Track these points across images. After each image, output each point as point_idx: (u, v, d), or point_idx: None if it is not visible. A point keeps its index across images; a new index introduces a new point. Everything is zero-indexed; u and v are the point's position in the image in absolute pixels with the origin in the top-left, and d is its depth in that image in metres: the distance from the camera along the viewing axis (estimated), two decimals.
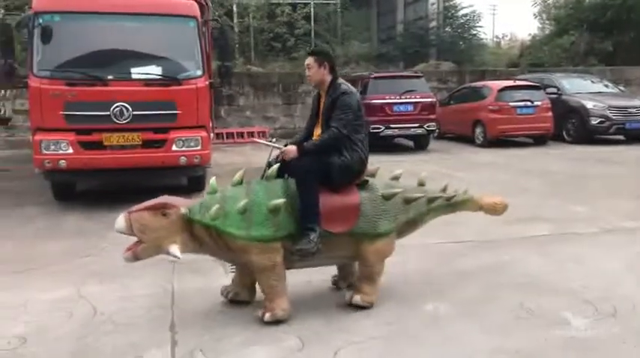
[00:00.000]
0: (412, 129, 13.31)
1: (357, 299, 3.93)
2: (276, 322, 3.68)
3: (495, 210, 4.54)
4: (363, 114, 4.08)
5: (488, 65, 22.82)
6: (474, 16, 24.54)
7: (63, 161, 7.01)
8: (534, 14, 29.33)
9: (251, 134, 16.20)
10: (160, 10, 7.49)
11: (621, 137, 14.43)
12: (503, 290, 4.31)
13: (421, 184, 4.33)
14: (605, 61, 21.04)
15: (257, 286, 3.96)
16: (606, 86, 15.87)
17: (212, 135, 8.56)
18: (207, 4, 9.35)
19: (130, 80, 7.30)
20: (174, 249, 3.55)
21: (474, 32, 24.80)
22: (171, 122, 7.33)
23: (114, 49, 7.48)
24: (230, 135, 16.15)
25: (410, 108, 13.24)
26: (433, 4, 23.49)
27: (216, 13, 14.70)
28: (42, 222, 6.83)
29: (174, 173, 7.84)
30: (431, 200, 4.23)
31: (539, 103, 13.96)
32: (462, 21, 24.74)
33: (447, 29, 24.36)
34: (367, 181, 4.03)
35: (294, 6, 21.83)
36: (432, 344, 3.45)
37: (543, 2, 27.37)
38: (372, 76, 13.95)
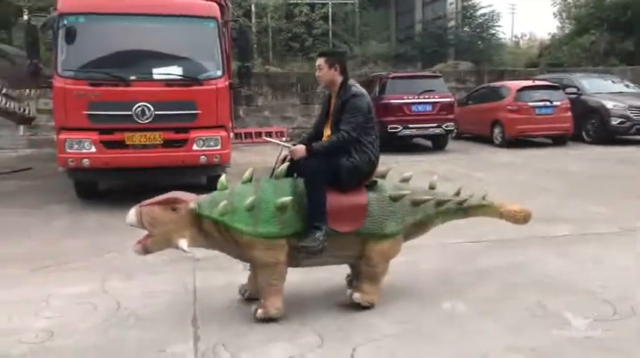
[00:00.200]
0: (430, 129, 13.31)
1: (358, 297, 3.93)
2: (269, 319, 3.73)
3: (516, 218, 4.42)
4: (373, 117, 4.09)
5: (507, 65, 22.70)
6: (492, 15, 24.46)
7: (86, 160, 7.15)
8: (554, 13, 29.07)
9: (268, 134, 16.31)
10: (181, 11, 7.61)
11: None
12: (521, 290, 4.32)
13: (432, 187, 4.31)
14: (626, 61, 20.80)
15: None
16: (627, 86, 15.70)
17: (231, 134, 8.65)
18: (227, 5, 9.45)
19: (151, 80, 7.44)
20: (183, 242, 3.64)
21: (493, 32, 24.68)
22: (191, 122, 7.44)
23: (136, 50, 7.62)
24: (248, 134, 16.27)
25: (428, 108, 13.24)
26: (452, 3, 23.40)
27: (235, 14, 14.80)
28: (65, 220, 6.98)
29: (194, 172, 7.94)
30: (440, 203, 4.20)
31: (558, 103, 13.87)
32: (480, 20, 24.64)
33: (465, 29, 24.26)
34: (376, 182, 4.04)
35: (312, 6, 21.91)
36: (448, 342, 3.48)
37: (563, 1, 27.11)
38: (391, 75, 13.99)
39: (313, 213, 3.73)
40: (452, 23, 23.39)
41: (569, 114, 13.90)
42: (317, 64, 4.15)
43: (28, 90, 10.23)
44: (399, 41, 25.66)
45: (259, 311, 3.75)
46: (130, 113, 7.16)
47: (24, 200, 8.18)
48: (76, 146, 7.16)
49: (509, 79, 17.35)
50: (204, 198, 3.79)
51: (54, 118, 7.63)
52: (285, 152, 4.11)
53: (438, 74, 14.92)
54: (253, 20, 20.87)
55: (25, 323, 3.81)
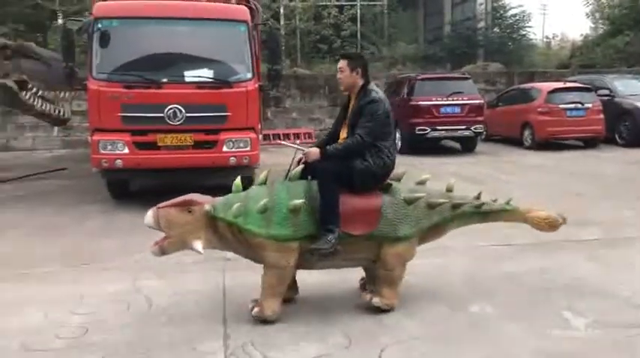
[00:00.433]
0: (459, 131, 13.22)
1: (377, 301, 3.93)
2: (264, 320, 3.77)
3: (541, 225, 4.23)
4: (391, 122, 4.07)
5: (538, 66, 22.40)
6: (523, 16, 24.20)
7: (119, 160, 7.30)
8: (586, 14, 28.61)
9: (297, 135, 16.40)
10: (212, 15, 7.73)
11: None
12: (551, 294, 4.30)
13: (449, 190, 4.24)
14: None
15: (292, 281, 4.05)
16: None
17: (260, 136, 8.73)
18: (257, 8, 9.53)
19: (183, 83, 7.56)
20: (198, 244, 3.71)
21: (523, 33, 24.42)
22: (221, 124, 7.54)
23: (168, 53, 7.76)
24: (276, 136, 16.36)
25: (457, 110, 13.15)
26: (481, 4, 23.20)
27: (264, 16, 14.91)
28: (98, 220, 7.14)
29: (223, 173, 8.01)
30: (456, 206, 4.12)
31: (589, 105, 13.64)
32: (510, 21, 24.38)
33: (495, 30, 24.03)
34: (390, 185, 4.03)
35: (340, 8, 21.95)
36: (475, 346, 3.49)
37: (596, 2, 26.65)
38: (419, 77, 13.94)
39: (326, 216, 3.74)
40: (481, 24, 23.18)
41: (601, 116, 13.66)
42: (339, 66, 4.16)
43: (62, 92, 10.42)
44: (427, 42, 25.53)
45: (255, 309, 3.80)
46: (161, 115, 7.29)
47: (59, 199, 8.39)
48: (109, 147, 7.31)
49: (539, 80, 17.14)
50: (219, 200, 3.85)
51: (88, 120, 7.80)
52: (299, 154, 4.14)
53: (467, 76, 14.81)
54: (282, 22, 21.01)
55: (61, 320, 3.93)
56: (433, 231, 4.12)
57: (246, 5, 8.24)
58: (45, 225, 6.85)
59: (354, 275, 4.44)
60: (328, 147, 4.03)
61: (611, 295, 4.25)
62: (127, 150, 7.32)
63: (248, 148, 7.66)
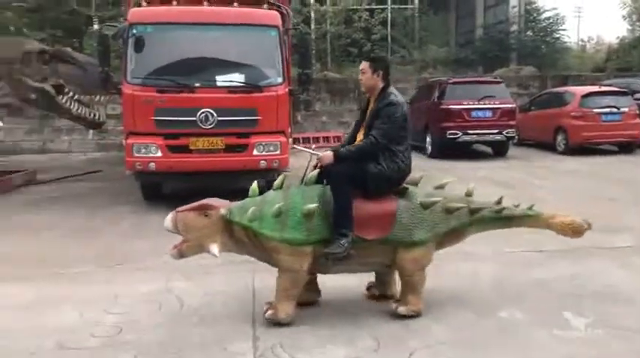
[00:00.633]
0: (490, 136, 13.11)
1: (402, 309, 3.91)
2: (277, 323, 3.80)
3: (565, 231, 4.10)
4: (407, 126, 4.04)
5: (572, 70, 22.03)
6: (557, 18, 23.84)
7: (152, 163, 7.46)
8: (623, 16, 28.09)
9: (326, 139, 16.44)
10: (244, 20, 7.83)
11: None
12: (581, 301, 4.25)
13: (468, 194, 4.18)
14: None
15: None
16: None
17: (290, 140, 8.80)
18: (287, 13, 9.62)
19: (215, 87, 7.68)
20: (214, 248, 3.77)
21: (557, 36, 24.04)
22: (252, 127, 7.64)
23: (200, 58, 7.89)
24: (306, 139, 16.44)
25: (489, 114, 13.05)
26: (514, 7, 22.94)
27: (295, 21, 15.02)
28: (131, 221, 7.29)
29: (253, 176, 8.05)
30: (474, 211, 4.05)
31: (625, 110, 13.38)
32: (544, 24, 24.01)
33: (528, 33, 23.70)
34: (407, 189, 4.01)
35: (371, 11, 21.95)
36: (503, 351, 3.47)
37: (633, 3, 26.11)
38: (451, 81, 13.87)
39: (339, 220, 3.75)
40: (514, 27, 22.91)
41: (638, 121, 13.38)
42: (361, 67, 4.18)
43: (98, 96, 10.66)
44: (459, 46, 25.37)
45: (269, 311, 3.84)
46: (194, 119, 7.41)
47: (93, 201, 8.58)
48: (143, 150, 7.47)
49: (573, 84, 16.87)
50: (235, 204, 3.91)
51: (122, 123, 7.98)
52: (315, 159, 4.16)
53: (499, 79, 14.67)
54: (312, 26, 21.10)
55: (96, 319, 4.03)
56: (451, 236, 4.07)
57: (277, 10, 8.32)
58: (79, 227, 7.03)
59: (372, 279, 4.45)
60: (342, 149, 4.05)
61: None
62: (160, 154, 7.46)
63: (278, 152, 7.74)
